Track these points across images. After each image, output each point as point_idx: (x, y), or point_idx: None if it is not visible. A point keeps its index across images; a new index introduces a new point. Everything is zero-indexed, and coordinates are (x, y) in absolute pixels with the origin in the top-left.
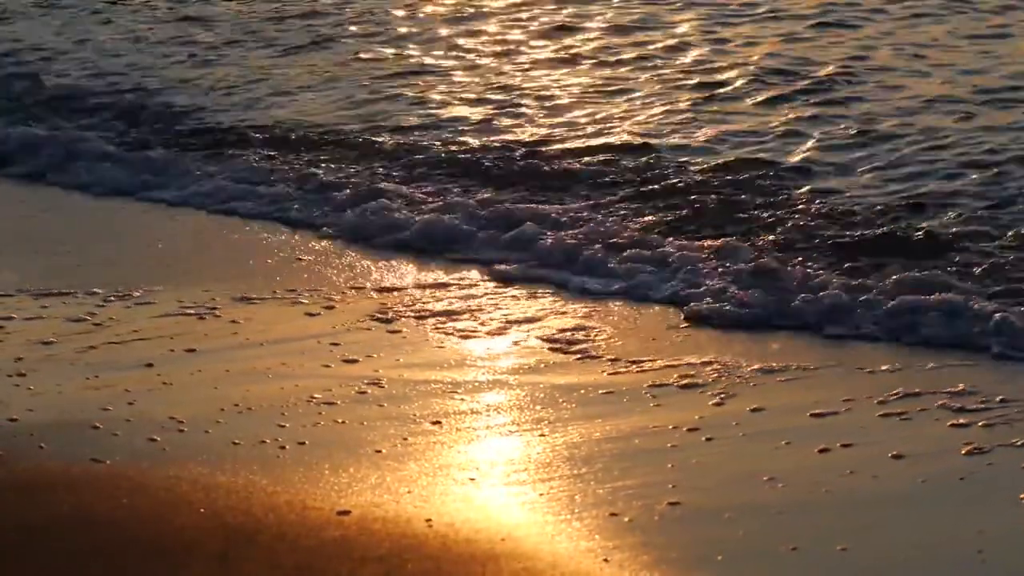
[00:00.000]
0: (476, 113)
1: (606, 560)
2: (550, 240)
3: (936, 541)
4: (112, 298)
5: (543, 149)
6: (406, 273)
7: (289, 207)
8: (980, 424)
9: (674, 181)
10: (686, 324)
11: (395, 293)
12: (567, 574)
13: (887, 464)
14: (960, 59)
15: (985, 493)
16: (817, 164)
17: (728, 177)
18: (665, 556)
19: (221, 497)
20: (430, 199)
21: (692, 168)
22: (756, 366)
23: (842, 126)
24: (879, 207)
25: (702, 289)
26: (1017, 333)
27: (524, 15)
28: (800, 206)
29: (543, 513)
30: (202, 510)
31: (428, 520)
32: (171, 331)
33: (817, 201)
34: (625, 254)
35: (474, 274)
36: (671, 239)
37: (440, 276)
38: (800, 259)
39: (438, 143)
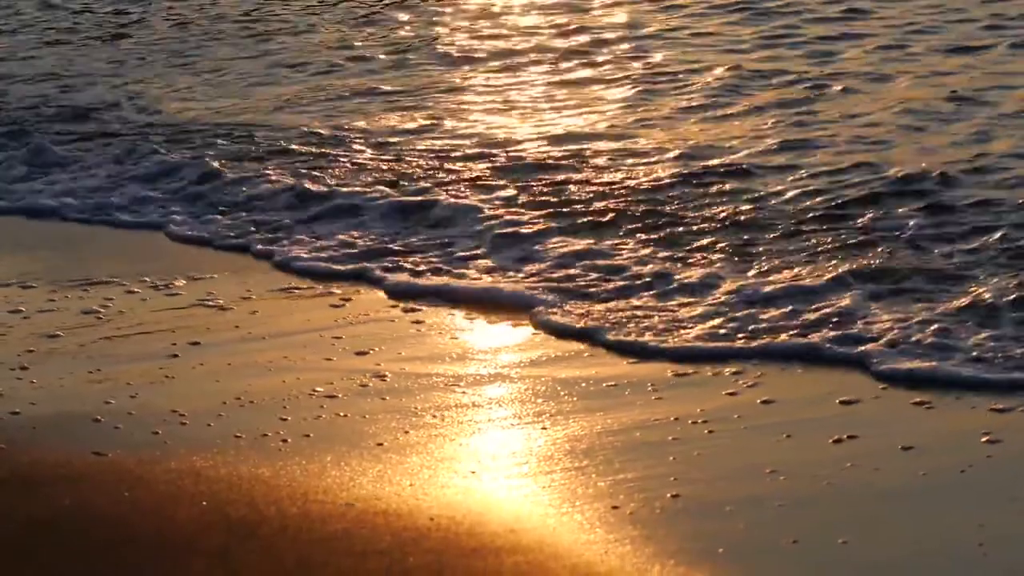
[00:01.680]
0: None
1: (607, 553)
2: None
3: (937, 535)
4: (133, 291)
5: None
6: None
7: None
8: (1019, 411)
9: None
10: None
11: (396, 291)
12: (568, 567)
13: (894, 456)
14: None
15: (988, 486)
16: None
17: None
18: (666, 549)
19: (223, 490)
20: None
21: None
22: (768, 361)
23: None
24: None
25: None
26: None
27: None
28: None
29: (544, 506)
30: (204, 503)
31: (430, 513)
32: (174, 324)
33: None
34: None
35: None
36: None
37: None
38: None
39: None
